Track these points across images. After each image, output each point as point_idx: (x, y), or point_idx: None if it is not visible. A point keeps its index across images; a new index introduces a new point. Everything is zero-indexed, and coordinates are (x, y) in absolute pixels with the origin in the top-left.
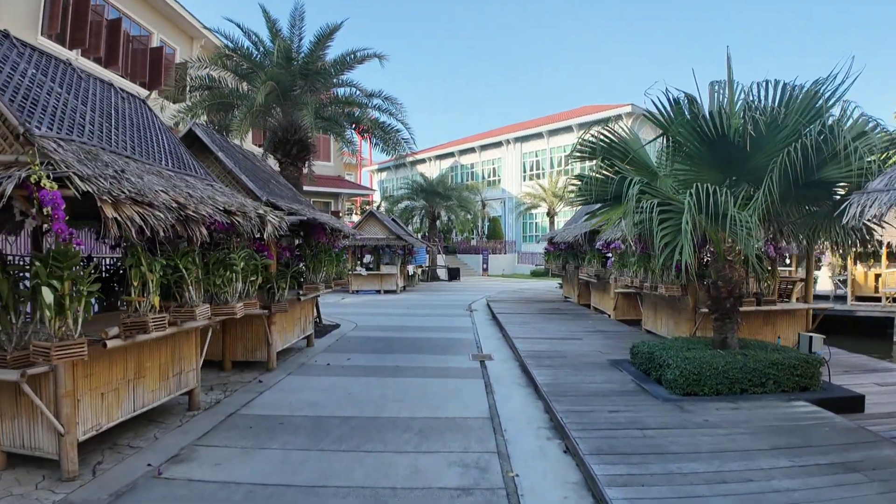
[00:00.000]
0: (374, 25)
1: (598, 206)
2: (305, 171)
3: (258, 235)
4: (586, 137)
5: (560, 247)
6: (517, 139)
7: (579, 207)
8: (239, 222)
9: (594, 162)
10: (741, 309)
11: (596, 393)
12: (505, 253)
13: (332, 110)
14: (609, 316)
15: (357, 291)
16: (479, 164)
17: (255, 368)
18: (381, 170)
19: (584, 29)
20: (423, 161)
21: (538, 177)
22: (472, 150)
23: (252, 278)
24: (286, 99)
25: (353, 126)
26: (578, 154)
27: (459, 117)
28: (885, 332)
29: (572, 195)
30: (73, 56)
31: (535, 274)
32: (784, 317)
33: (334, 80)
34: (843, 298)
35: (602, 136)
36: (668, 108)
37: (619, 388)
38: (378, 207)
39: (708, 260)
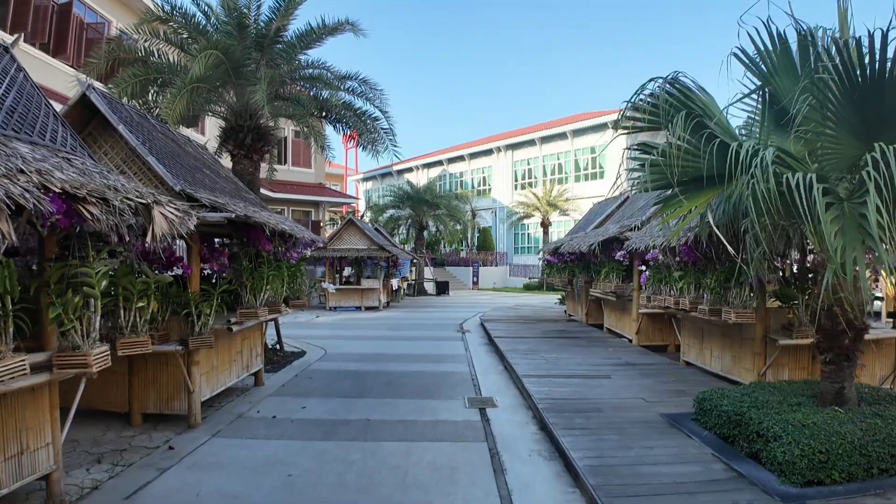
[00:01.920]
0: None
1: (662, 192)
2: (266, 169)
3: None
4: (642, 95)
5: (566, 258)
6: (508, 147)
7: (589, 211)
8: (92, 214)
9: (639, 140)
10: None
11: (672, 486)
12: (496, 265)
13: (293, 90)
14: (630, 341)
15: (335, 308)
16: (468, 172)
17: (173, 424)
18: (366, 179)
19: (578, 39)
20: (409, 170)
21: (531, 185)
22: (461, 157)
23: (140, 304)
24: (239, 76)
25: (322, 113)
26: (634, 118)
27: (448, 130)
28: None
29: (637, 175)
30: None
31: (528, 287)
32: (868, 347)
33: (300, 58)
34: (876, 315)
35: (672, 90)
36: (770, 47)
37: (702, 474)
38: (362, 217)
39: (794, 273)
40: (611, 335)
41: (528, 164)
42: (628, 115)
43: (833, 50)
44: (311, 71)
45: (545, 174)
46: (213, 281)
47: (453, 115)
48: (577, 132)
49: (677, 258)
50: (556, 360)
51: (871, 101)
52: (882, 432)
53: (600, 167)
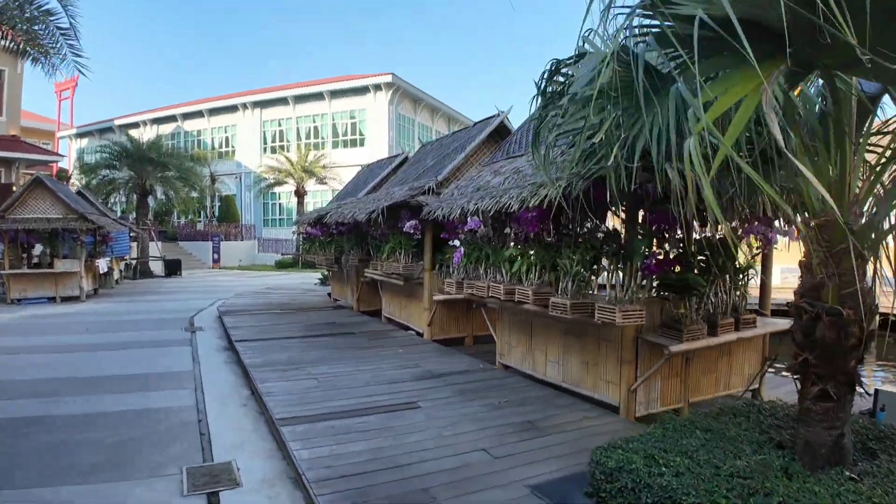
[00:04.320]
0: None
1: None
2: None
3: None
4: None
5: (332, 231)
6: (256, 104)
7: (356, 175)
8: None
9: None
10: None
11: None
12: (242, 239)
13: None
14: (421, 335)
15: (19, 300)
16: (207, 131)
17: None
18: (81, 135)
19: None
20: (136, 125)
21: (283, 149)
22: (199, 113)
23: None
24: None
25: None
26: None
27: (189, 88)
28: None
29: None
30: None
31: (281, 265)
32: (740, 344)
33: None
34: None
35: None
36: None
37: None
38: (69, 181)
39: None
40: (393, 326)
41: (280, 125)
42: None
43: None
44: None
45: (300, 137)
46: None
47: (196, 72)
48: (336, 93)
49: (509, 229)
50: (331, 378)
51: None
52: None
53: (361, 133)
